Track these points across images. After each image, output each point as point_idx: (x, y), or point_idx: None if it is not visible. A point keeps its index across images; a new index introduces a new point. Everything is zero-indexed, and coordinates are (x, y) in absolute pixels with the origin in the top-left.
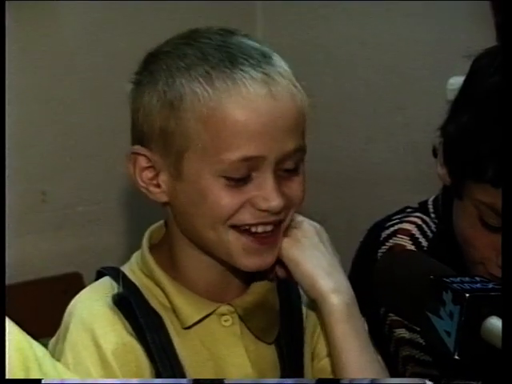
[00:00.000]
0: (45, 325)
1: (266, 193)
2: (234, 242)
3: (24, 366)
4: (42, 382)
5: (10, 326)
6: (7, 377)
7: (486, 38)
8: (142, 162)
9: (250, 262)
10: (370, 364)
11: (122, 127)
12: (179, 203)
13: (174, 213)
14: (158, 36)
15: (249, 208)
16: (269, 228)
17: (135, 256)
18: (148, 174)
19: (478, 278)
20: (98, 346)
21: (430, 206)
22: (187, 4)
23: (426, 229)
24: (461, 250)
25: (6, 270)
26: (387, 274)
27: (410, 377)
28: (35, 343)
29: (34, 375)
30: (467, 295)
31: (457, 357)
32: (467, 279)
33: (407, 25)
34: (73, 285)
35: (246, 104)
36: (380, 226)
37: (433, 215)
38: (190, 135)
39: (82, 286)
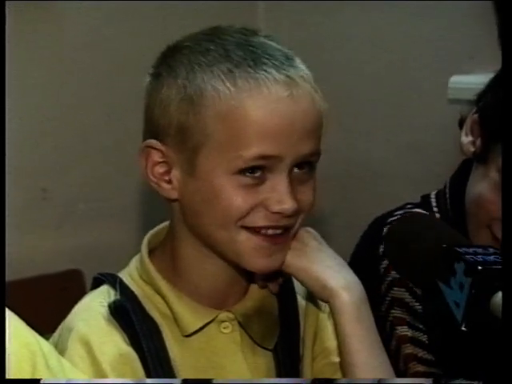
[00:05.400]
0: (44, 322)
1: (280, 195)
2: (245, 242)
3: (31, 362)
4: (41, 382)
5: (16, 322)
6: (15, 371)
7: (488, 37)
8: (155, 156)
9: (259, 263)
10: (380, 366)
11: (125, 125)
12: (190, 201)
13: (184, 211)
14: (161, 35)
15: (261, 210)
16: (279, 231)
17: (134, 261)
18: (159, 169)
19: (491, 250)
20: (93, 358)
21: (433, 200)
22: (189, 3)
23: None
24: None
25: (7, 267)
26: (400, 235)
27: (411, 375)
28: (41, 339)
29: (41, 370)
30: (480, 268)
31: (464, 328)
32: (480, 250)
33: (409, 23)
34: (73, 282)
35: (267, 105)
36: (381, 221)
37: (435, 209)
38: (207, 131)
39: (82, 283)
